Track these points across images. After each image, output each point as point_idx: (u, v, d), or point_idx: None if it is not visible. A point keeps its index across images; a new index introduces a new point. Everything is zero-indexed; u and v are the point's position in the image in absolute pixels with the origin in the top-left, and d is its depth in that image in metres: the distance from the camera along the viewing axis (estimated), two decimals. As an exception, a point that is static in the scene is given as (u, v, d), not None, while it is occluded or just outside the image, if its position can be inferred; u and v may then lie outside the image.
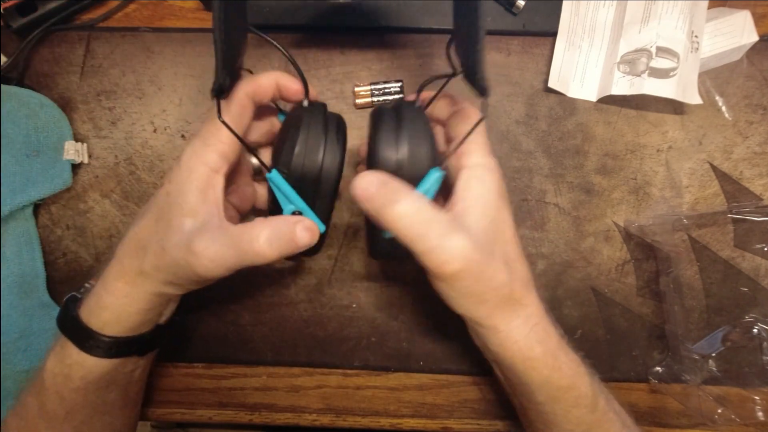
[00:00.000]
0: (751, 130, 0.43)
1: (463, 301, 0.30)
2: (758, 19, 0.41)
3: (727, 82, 0.43)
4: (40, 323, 0.41)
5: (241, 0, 0.29)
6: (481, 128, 0.31)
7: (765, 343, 0.41)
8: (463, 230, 0.28)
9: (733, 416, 0.40)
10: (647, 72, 0.40)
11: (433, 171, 0.29)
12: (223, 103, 0.30)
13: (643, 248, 0.43)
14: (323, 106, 0.33)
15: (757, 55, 0.42)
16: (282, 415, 0.44)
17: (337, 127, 0.32)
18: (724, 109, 0.43)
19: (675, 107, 0.43)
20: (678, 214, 0.42)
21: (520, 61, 0.44)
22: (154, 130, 0.44)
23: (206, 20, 0.44)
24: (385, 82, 0.43)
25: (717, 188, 0.43)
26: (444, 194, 0.32)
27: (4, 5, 0.41)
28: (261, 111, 0.34)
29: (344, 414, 0.44)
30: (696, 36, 0.40)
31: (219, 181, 0.31)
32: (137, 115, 0.44)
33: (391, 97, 0.43)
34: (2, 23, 0.42)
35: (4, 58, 0.42)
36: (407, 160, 0.29)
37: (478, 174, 0.30)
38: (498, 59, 0.44)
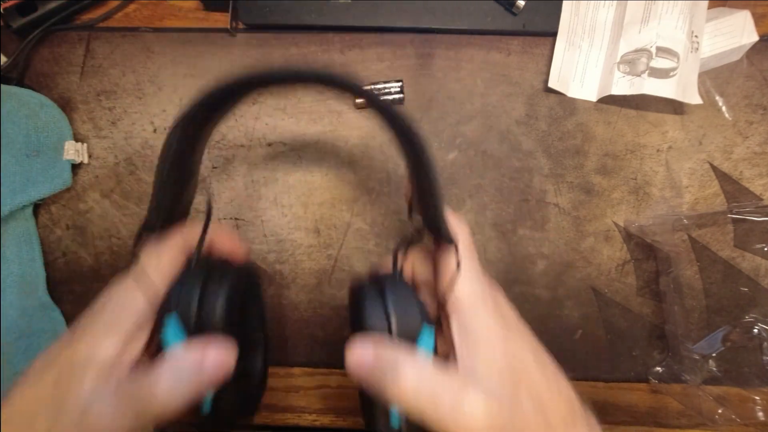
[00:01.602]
0: (751, 130, 0.43)
1: None
2: (758, 19, 0.41)
3: (727, 82, 0.43)
4: (40, 323, 0.41)
5: (200, 142, 0.27)
6: (467, 253, 0.28)
7: (765, 343, 0.41)
8: (477, 386, 0.24)
9: (733, 416, 0.40)
10: (647, 72, 0.40)
11: (425, 327, 0.27)
12: (154, 249, 0.28)
13: (643, 248, 0.43)
14: (220, 265, 0.30)
15: (757, 55, 0.42)
16: (282, 415, 0.44)
17: (220, 280, 0.28)
18: (724, 109, 0.43)
19: (675, 107, 0.43)
20: (678, 214, 0.42)
21: (520, 61, 0.44)
22: (154, 130, 0.44)
23: (206, 20, 0.44)
24: (385, 82, 0.43)
25: (717, 188, 0.43)
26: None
27: (4, 5, 0.41)
28: None
29: (344, 414, 0.44)
30: (696, 36, 0.40)
31: (145, 333, 0.27)
32: (137, 115, 0.44)
33: (391, 97, 0.43)
34: (2, 23, 0.42)
35: (4, 58, 0.42)
36: (397, 326, 0.26)
37: (470, 314, 0.26)
38: (498, 59, 0.44)
